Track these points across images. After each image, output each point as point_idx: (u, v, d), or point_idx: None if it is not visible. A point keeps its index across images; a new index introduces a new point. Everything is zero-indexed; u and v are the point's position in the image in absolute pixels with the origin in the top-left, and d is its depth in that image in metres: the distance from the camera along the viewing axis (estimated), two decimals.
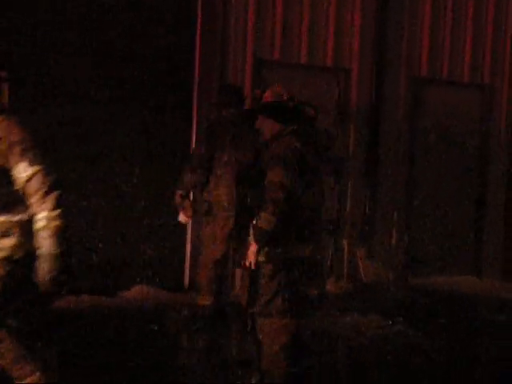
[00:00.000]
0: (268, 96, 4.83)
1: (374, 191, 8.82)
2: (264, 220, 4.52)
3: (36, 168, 3.61)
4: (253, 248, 4.58)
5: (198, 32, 7.77)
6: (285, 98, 4.83)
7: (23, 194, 3.64)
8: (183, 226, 7.28)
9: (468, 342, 6.86)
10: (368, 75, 8.71)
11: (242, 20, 8.04)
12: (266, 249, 4.62)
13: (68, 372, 5.15)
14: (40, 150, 3.65)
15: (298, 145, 4.70)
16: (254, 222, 4.58)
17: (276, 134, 4.76)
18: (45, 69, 7.03)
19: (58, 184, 3.66)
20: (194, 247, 7.51)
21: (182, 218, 6.65)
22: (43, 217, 3.61)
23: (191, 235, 7.59)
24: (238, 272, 6.96)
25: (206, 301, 6.53)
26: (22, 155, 3.62)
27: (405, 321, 7.01)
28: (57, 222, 3.62)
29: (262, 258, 4.63)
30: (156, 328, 6.33)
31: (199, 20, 7.77)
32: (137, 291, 7.29)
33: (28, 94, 6.94)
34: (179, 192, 6.51)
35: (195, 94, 7.78)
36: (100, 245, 7.27)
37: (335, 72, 8.65)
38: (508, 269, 9.61)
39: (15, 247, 3.70)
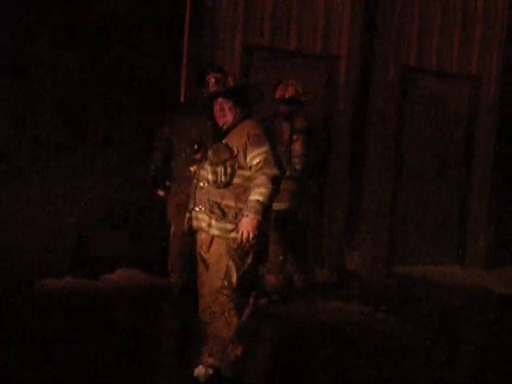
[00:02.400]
0: (231, 80, 4.95)
1: (359, 179, 8.84)
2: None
3: None
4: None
5: (187, 17, 7.74)
6: (246, 83, 4.98)
7: None
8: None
9: (448, 329, 6.92)
10: (357, 63, 8.71)
11: (232, 6, 8.01)
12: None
13: (52, 355, 5.18)
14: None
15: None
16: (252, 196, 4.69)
17: (238, 117, 4.91)
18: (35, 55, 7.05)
19: None
20: None
21: (159, 191, 6.83)
22: None
23: None
24: None
25: (175, 278, 6.59)
26: None
27: (387, 309, 7.05)
28: None
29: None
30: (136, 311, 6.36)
31: (188, 5, 7.75)
32: (121, 274, 7.29)
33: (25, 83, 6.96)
34: (150, 167, 6.78)
35: (183, 80, 7.76)
36: (84, 228, 7.26)
37: (324, 59, 8.65)
38: (491, 259, 9.68)
39: None
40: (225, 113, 4.93)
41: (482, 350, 6.52)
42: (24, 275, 6.78)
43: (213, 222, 4.83)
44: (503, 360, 6.16)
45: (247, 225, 4.68)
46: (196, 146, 5.02)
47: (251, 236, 4.68)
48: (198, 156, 4.99)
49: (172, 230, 6.73)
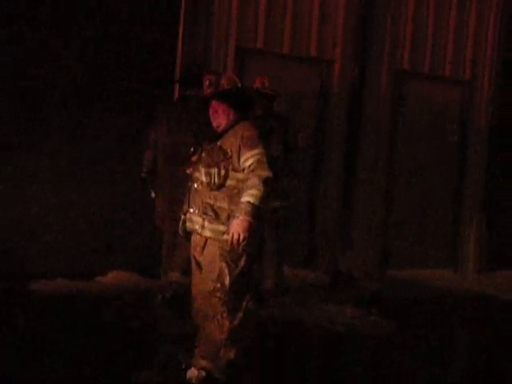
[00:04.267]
0: (225, 83, 4.91)
1: (353, 182, 8.85)
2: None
3: None
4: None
5: (181, 20, 7.74)
6: (239, 85, 4.94)
7: None
8: None
9: (441, 332, 6.94)
10: (350, 67, 8.73)
11: (226, 8, 8.02)
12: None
13: (42, 356, 5.17)
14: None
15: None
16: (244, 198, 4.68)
17: (232, 119, 4.89)
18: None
19: None
20: None
21: (153, 194, 6.85)
22: None
23: None
24: None
25: (173, 276, 6.59)
26: None
27: (380, 312, 7.07)
28: None
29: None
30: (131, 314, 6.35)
31: (182, 8, 7.75)
32: (113, 276, 7.29)
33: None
34: (141, 169, 6.88)
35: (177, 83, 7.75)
36: (78, 229, 7.26)
37: (318, 63, 8.66)
38: (484, 262, 9.71)
39: None
40: (218, 115, 4.93)
41: (475, 352, 6.54)
42: (16, 277, 6.77)
43: (206, 223, 4.83)
44: (498, 362, 6.18)
45: (238, 227, 4.68)
46: (192, 148, 5.02)
47: (242, 238, 4.68)
48: (194, 158, 4.99)
49: (165, 231, 6.75)
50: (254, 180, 4.71)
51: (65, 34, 7.17)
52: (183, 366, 5.04)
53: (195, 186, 4.90)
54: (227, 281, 4.81)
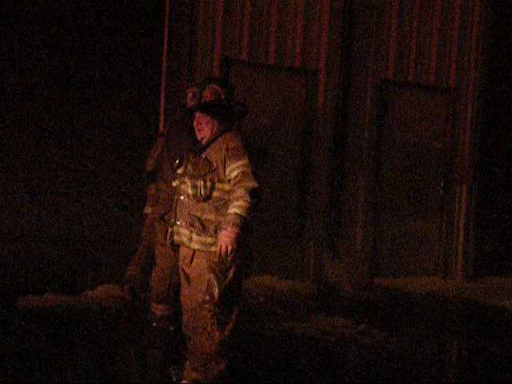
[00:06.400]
0: (208, 95, 4.89)
1: (340, 192, 8.86)
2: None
3: None
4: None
5: (166, 31, 7.75)
6: (223, 96, 4.91)
7: None
8: None
9: (431, 340, 6.94)
10: (335, 76, 8.76)
11: (211, 19, 8.03)
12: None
13: (30, 370, 5.13)
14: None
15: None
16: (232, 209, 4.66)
17: (216, 131, 4.89)
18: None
19: None
20: None
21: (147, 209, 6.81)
22: None
23: None
24: None
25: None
26: None
27: (370, 321, 7.06)
28: None
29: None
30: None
31: (167, 19, 7.76)
32: (102, 291, 7.25)
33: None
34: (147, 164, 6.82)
35: (163, 93, 7.77)
36: (65, 243, 7.22)
37: (303, 73, 8.69)
38: (473, 269, 9.74)
39: None
40: (202, 127, 4.93)
41: (468, 358, 6.54)
42: (4, 292, 6.73)
43: (193, 236, 4.82)
44: (492, 367, 6.19)
45: (225, 238, 4.67)
46: (177, 161, 5.00)
47: (230, 249, 4.67)
48: (179, 170, 4.98)
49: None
50: (241, 191, 4.70)
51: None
52: (174, 379, 5.01)
53: (182, 198, 4.89)
54: (216, 292, 4.79)
